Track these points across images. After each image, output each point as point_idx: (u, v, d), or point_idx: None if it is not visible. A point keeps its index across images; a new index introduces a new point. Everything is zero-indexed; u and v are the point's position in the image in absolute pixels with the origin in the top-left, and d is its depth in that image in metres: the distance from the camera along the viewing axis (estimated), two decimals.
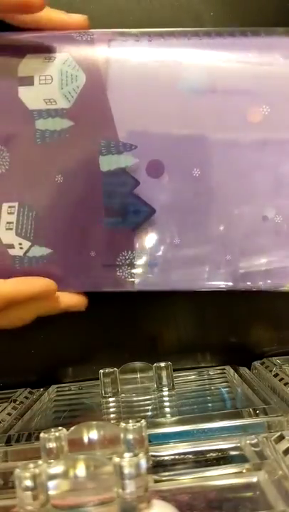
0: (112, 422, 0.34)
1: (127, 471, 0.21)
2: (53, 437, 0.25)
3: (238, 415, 0.31)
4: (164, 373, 0.39)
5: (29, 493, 0.21)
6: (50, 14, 0.34)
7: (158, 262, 0.35)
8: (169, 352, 0.43)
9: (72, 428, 0.26)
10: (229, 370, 0.43)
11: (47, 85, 0.34)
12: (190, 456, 0.28)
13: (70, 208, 0.35)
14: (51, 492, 0.22)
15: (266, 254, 0.35)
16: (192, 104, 0.34)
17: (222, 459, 0.27)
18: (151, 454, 0.27)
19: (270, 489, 0.23)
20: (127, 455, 0.21)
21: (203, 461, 0.27)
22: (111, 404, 0.38)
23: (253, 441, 0.28)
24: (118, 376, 0.40)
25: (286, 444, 0.27)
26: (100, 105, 0.34)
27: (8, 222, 0.35)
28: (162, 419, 0.33)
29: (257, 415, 0.31)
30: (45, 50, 0.34)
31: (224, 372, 0.43)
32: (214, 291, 0.38)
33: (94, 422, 0.26)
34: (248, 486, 0.24)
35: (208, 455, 0.28)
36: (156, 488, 0.24)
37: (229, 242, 0.35)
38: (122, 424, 0.25)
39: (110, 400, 0.39)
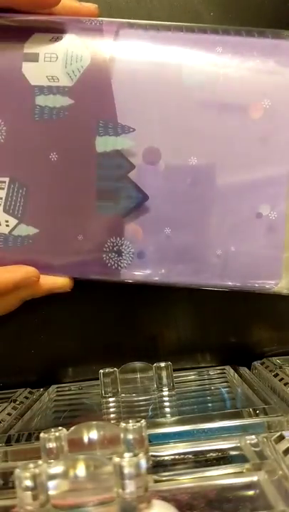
0: (112, 422, 0.34)
1: (127, 471, 0.21)
2: (53, 437, 0.25)
3: (238, 415, 0.31)
4: (164, 373, 0.39)
5: (29, 493, 0.21)
6: (64, 1, 0.34)
7: (147, 252, 0.35)
8: (169, 352, 0.43)
9: (72, 428, 0.26)
10: (229, 370, 0.43)
11: (51, 63, 0.34)
12: (190, 456, 0.28)
13: (62, 188, 0.34)
14: (51, 492, 0.22)
15: (257, 252, 0.34)
16: (194, 96, 0.34)
17: (222, 459, 0.27)
18: (151, 454, 0.27)
19: (270, 489, 0.23)
20: (127, 455, 0.21)
21: (203, 461, 0.27)
22: (111, 404, 0.38)
23: (253, 441, 0.28)
24: (118, 376, 0.40)
25: (286, 444, 0.27)
26: (102, 87, 0.34)
27: None
28: (162, 419, 0.33)
29: (257, 415, 0.31)
30: (53, 31, 0.34)
31: (224, 372, 0.43)
32: (214, 291, 0.38)
33: (94, 422, 0.26)
34: (248, 486, 0.24)
35: (208, 455, 0.28)
36: (156, 488, 0.24)
37: (221, 236, 0.34)
38: (122, 424, 0.25)
39: (110, 400, 0.39)
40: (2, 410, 0.37)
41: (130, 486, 0.21)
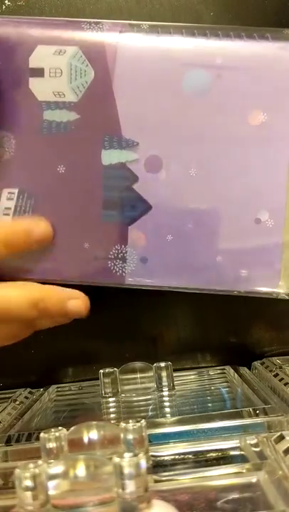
0: (112, 422, 0.34)
1: (127, 471, 0.21)
2: (53, 437, 0.25)
3: (238, 415, 0.31)
4: (164, 373, 0.40)
5: (29, 493, 0.21)
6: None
7: (150, 258, 0.35)
8: (169, 352, 0.43)
9: (72, 428, 0.26)
10: (229, 370, 0.43)
11: (56, 78, 0.35)
12: (190, 456, 0.28)
13: (69, 199, 0.36)
14: (51, 492, 0.22)
15: (255, 258, 0.35)
16: (193, 104, 0.34)
17: (222, 459, 0.27)
18: (151, 454, 0.27)
19: (270, 489, 0.23)
20: (127, 455, 0.21)
21: (203, 461, 0.27)
22: (111, 404, 0.38)
23: (253, 441, 0.28)
24: (118, 376, 0.40)
25: (286, 444, 0.27)
26: (106, 101, 0.35)
27: (6, 208, 0.35)
28: (162, 419, 0.33)
29: (257, 415, 0.31)
30: (55, 42, 0.35)
31: (224, 372, 0.43)
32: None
33: (94, 422, 0.26)
34: (248, 486, 0.24)
35: (208, 455, 0.28)
36: (156, 488, 0.24)
37: (221, 242, 0.35)
38: (122, 424, 0.25)
39: (110, 400, 0.39)
40: (2, 410, 0.37)
41: (130, 486, 0.21)
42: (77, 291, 0.36)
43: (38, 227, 0.35)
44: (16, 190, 0.36)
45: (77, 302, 0.35)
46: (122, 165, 0.35)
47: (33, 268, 0.36)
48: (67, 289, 0.36)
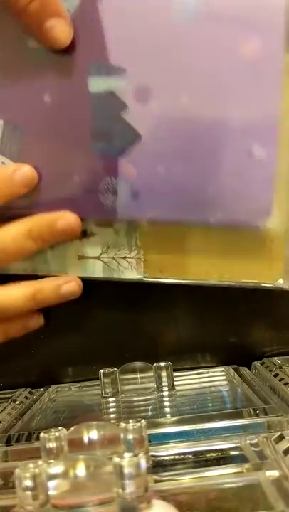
0: (112, 422, 0.34)
1: (127, 471, 0.21)
2: (53, 437, 0.25)
3: (238, 415, 0.31)
4: (164, 373, 0.40)
5: (29, 493, 0.21)
6: None
7: (141, 190, 0.35)
8: (169, 352, 0.43)
9: (72, 428, 0.26)
10: (229, 370, 0.43)
11: None
12: (190, 456, 0.28)
13: (57, 129, 0.35)
14: (51, 492, 0.22)
15: (248, 190, 0.34)
16: (183, 31, 0.33)
17: (222, 459, 0.27)
18: (151, 454, 0.27)
19: (270, 489, 0.23)
20: (127, 455, 0.21)
21: (203, 461, 0.27)
22: (111, 404, 0.38)
23: (253, 441, 0.28)
24: (118, 376, 0.40)
25: (286, 444, 0.27)
26: (93, 26, 0.33)
27: None
28: (162, 419, 0.33)
29: (257, 415, 0.31)
30: None
31: (224, 372, 0.43)
32: (215, 292, 0.38)
33: (94, 422, 0.26)
34: (248, 486, 0.24)
35: (208, 455, 0.28)
36: (156, 488, 0.24)
37: (213, 173, 0.34)
38: (122, 424, 0.25)
39: (110, 400, 0.39)
40: (2, 410, 0.37)
41: (130, 486, 0.21)
42: (68, 275, 0.38)
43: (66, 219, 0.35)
44: (1, 122, 0.35)
45: (70, 284, 0.37)
46: (110, 92, 0.34)
47: (24, 202, 0.35)
48: (60, 277, 0.38)
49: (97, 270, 0.38)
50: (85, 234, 0.38)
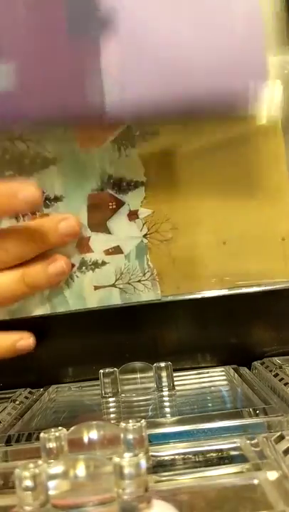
0: (112, 422, 0.34)
1: (127, 471, 0.21)
2: (53, 437, 0.25)
3: (238, 415, 0.31)
4: (164, 373, 0.39)
5: (29, 493, 0.21)
6: None
7: (129, 77, 0.34)
8: (169, 352, 0.43)
9: (72, 428, 0.26)
10: (229, 370, 0.43)
11: None
12: (190, 456, 0.28)
13: (33, 18, 0.34)
14: (51, 492, 0.22)
15: (238, 53, 0.33)
16: None
17: (222, 459, 0.27)
18: (151, 454, 0.27)
19: (270, 489, 0.23)
20: (127, 455, 0.21)
21: (203, 461, 0.27)
22: (111, 404, 0.38)
23: (253, 441, 0.28)
24: (118, 376, 0.40)
25: (286, 444, 0.27)
26: None
27: None
28: (162, 419, 0.33)
29: (257, 415, 0.31)
30: None
31: (224, 372, 0.43)
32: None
33: (94, 422, 0.26)
34: (248, 486, 0.24)
35: (208, 455, 0.28)
36: (156, 488, 0.24)
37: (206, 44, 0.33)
38: (122, 424, 0.25)
39: (110, 400, 0.39)
40: (2, 410, 0.37)
41: (130, 486, 0.21)
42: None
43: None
44: None
45: (57, 263, 0.38)
46: None
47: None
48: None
49: (114, 298, 0.39)
50: (96, 265, 0.38)
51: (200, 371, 0.43)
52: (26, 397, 0.41)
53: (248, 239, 0.38)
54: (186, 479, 0.25)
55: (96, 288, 0.39)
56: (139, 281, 0.38)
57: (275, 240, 0.37)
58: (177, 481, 0.25)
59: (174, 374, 0.40)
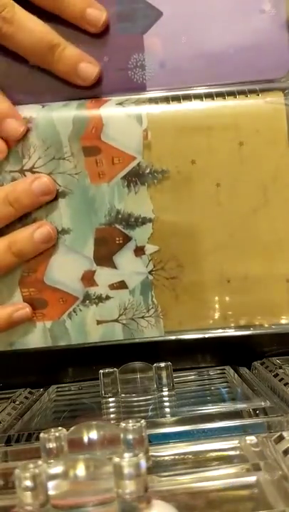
0: (112, 422, 0.34)
1: (126, 471, 0.21)
2: (53, 437, 0.25)
3: (238, 415, 0.31)
4: (164, 373, 0.39)
5: (29, 493, 0.21)
6: None
7: (167, 62, 0.38)
8: (169, 352, 0.43)
9: (72, 428, 0.26)
10: (229, 370, 0.43)
11: None
12: (190, 456, 0.28)
13: None
14: (51, 492, 0.22)
15: (265, 46, 0.38)
16: None
17: (222, 459, 0.27)
18: (151, 454, 0.27)
19: (270, 489, 0.23)
20: (127, 455, 0.21)
21: (203, 461, 0.27)
22: (111, 404, 0.38)
23: (253, 441, 0.28)
24: (118, 376, 0.40)
25: (286, 444, 0.27)
26: None
27: None
28: (162, 419, 0.33)
29: (257, 415, 0.31)
30: None
31: (224, 372, 0.43)
32: None
33: (94, 422, 0.26)
34: (248, 486, 0.24)
35: (208, 455, 0.28)
36: (156, 488, 0.24)
37: (231, 36, 0.38)
38: (122, 424, 0.25)
39: (110, 400, 0.39)
40: (2, 410, 0.37)
41: (130, 486, 0.21)
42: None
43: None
44: None
45: (42, 229, 0.38)
46: None
47: (61, 88, 0.38)
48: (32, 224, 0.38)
49: (116, 333, 0.39)
50: (100, 299, 0.38)
51: (200, 371, 0.43)
52: (26, 397, 0.41)
53: (252, 278, 0.38)
54: (186, 479, 0.25)
55: (99, 322, 0.39)
56: (142, 317, 0.38)
57: (280, 281, 0.38)
58: (177, 481, 0.25)
59: (174, 374, 0.40)
